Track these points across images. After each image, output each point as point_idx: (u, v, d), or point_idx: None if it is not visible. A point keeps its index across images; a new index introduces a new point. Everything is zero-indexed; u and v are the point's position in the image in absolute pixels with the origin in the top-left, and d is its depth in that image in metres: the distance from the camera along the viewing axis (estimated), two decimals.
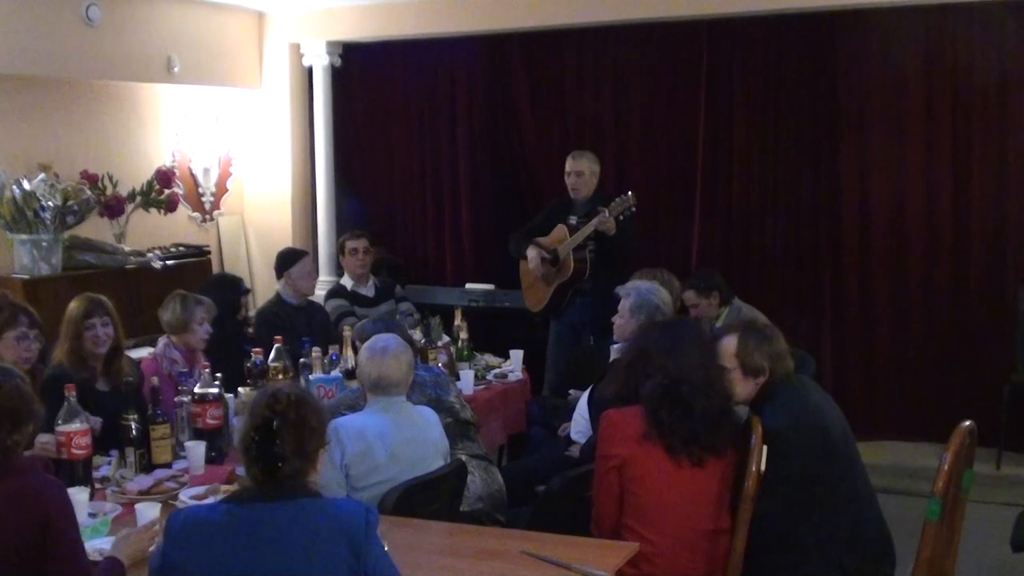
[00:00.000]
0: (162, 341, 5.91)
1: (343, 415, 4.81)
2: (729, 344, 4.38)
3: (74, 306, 5.29)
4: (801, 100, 8.15)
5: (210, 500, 4.10)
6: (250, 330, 6.91)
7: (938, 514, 3.77)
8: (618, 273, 7.33)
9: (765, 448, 4.16)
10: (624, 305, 5.65)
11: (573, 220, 7.58)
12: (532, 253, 7.61)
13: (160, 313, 5.91)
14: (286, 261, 7.25)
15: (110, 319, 5.30)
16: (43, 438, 4.36)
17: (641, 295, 5.59)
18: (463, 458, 5.09)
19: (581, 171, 7.63)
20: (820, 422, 4.27)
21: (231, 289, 6.81)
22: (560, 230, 7.58)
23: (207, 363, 5.31)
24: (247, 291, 6.97)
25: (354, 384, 5.72)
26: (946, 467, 3.76)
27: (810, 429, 4.23)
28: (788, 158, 8.21)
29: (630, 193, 7.33)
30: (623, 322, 5.61)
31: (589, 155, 7.73)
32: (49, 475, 3.43)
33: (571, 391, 6.57)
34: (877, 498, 4.42)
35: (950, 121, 7.73)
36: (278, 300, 7.18)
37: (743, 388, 4.37)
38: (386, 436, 4.54)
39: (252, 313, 7.15)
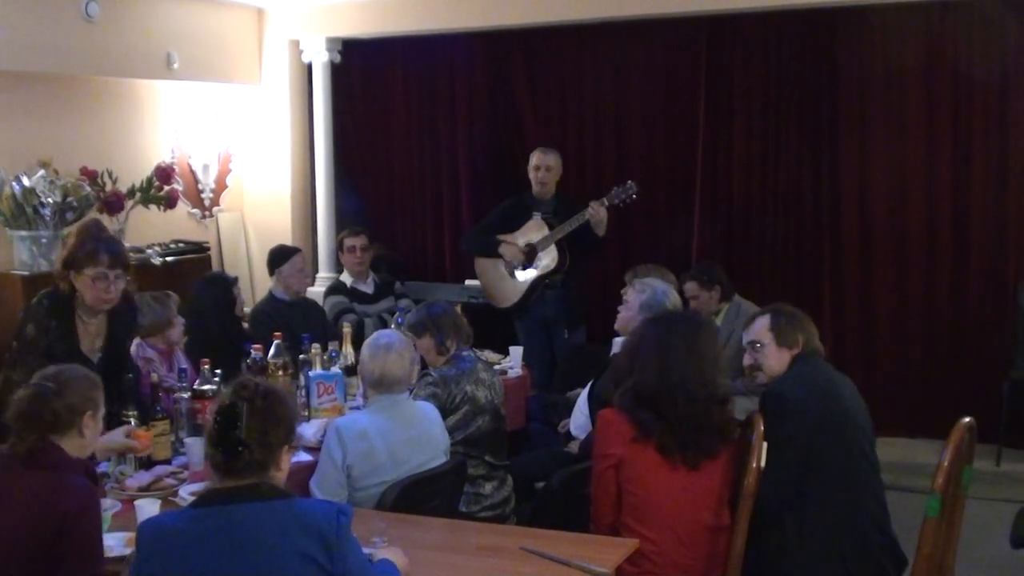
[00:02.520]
0: (135, 342, 5.89)
1: (353, 412, 4.83)
2: (763, 321, 4.52)
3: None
4: (801, 97, 8.14)
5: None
6: (246, 325, 6.91)
7: (938, 511, 3.77)
8: (589, 266, 7.43)
9: (766, 411, 4.22)
10: (634, 299, 5.63)
11: (537, 216, 7.64)
12: (509, 249, 7.64)
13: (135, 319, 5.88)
14: (277, 259, 7.26)
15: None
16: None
17: (656, 295, 5.56)
18: (484, 468, 5.14)
19: (551, 166, 7.74)
20: (828, 393, 4.30)
21: (220, 285, 6.77)
22: (535, 224, 7.62)
23: (206, 360, 5.30)
24: (235, 279, 6.93)
25: (355, 382, 5.74)
26: (946, 464, 3.77)
27: (815, 396, 4.27)
28: (788, 154, 8.21)
29: (631, 182, 7.37)
30: (629, 315, 5.59)
31: (555, 151, 7.87)
32: (80, 477, 3.48)
33: (572, 390, 6.59)
34: (887, 506, 4.42)
35: (951, 118, 7.72)
36: (271, 298, 7.20)
37: (777, 360, 4.47)
38: (388, 437, 4.54)
39: (247, 308, 7.09)
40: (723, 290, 6.87)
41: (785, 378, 4.43)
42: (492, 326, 7.78)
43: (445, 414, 5.03)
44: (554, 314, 7.72)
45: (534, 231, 7.64)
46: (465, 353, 5.43)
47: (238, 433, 3.05)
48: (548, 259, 7.58)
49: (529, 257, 7.62)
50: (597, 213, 7.33)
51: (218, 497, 3.10)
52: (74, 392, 3.59)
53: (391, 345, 4.71)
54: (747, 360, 4.60)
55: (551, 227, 7.58)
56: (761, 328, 4.52)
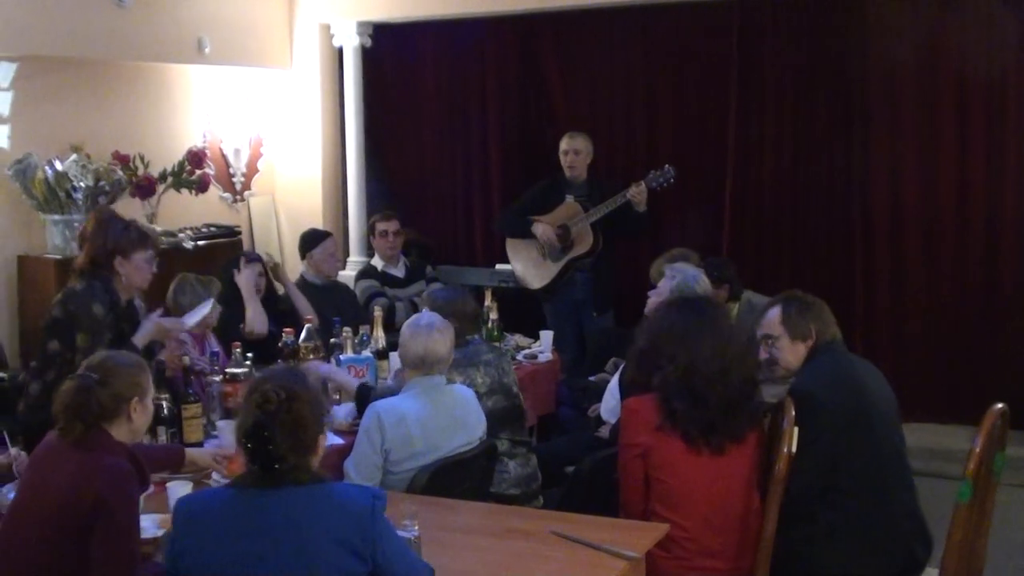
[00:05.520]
0: None
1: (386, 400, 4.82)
2: (774, 314, 4.48)
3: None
4: (833, 82, 8.07)
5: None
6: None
7: (969, 497, 3.76)
8: (619, 249, 7.43)
9: (795, 410, 4.17)
10: (665, 285, 5.62)
11: (570, 199, 7.64)
12: (542, 228, 7.63)
13: (175, 297, 5.92)
14: (308, 242, 7.31)
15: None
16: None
17: (687, 281, 5.55)
18: (505, 445, 5.13)
19: (579, 150, 7.77)
20: (856, 389, 4.28)
21: (232, 264, 6.75)
22: (570, 207, 7.63)
23: (237, 343, 5.33)
24: (255, 259, 6.89)
25: (386, 365, 5.75)
26: (977, 450, 3.76)
27: (843, 393, 4.25)
28: (820, 140, 8.14)
29: (668, 166, 7.37)
30: (661, 301, 5.57)
31: (585, 135, 7.91)
32: (120, 461, 3.50)
33: (605, 369, 6.60)
34: (915, 488, 4.41)
35: (983, 103, 7.64)
36: (302, 281, 7.23)
37: (792, 354, 4.45)
38: (426, 424, 4.54)
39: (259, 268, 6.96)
40: (731, 289, 6.72)
41: (810, 374, 4.39)
42: (523, 310, 7.80)
43: None
44: (583, 296, 7.73)
45: (568, 213, 7.62)
46: (469, 338, 5.43)
47: (272, 451, 3.08)
48: (582, 241, 7.57)
49: (563, 238, 7.61)
50: (638, 193, 7.33)
51: (255, 480, 3.13)
52: (119, 380, 3.61)
53: (433, 324, 4.72)
54: (762, 354, 4.55)
55: (586, 209, 7.57)
56: (773, 321, 4.48)
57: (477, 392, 5.09)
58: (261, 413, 3.09)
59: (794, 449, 4.11)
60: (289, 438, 3.09)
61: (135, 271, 5.01)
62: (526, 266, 7.89)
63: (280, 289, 6.92)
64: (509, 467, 5.18)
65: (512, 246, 7.96)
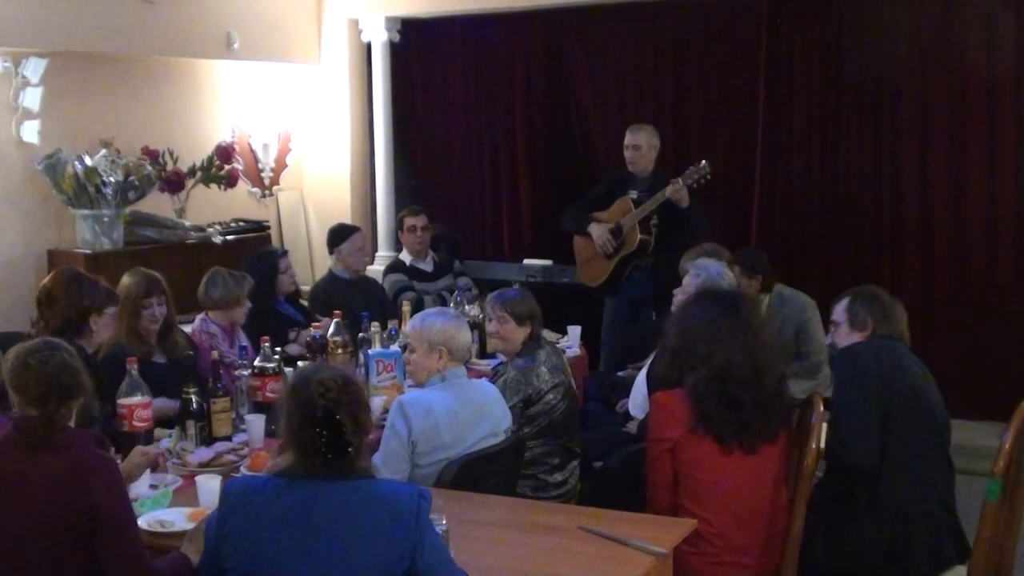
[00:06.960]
0: (199, 317, 5.97)
1: (415, 390, 4.83)
2: (844, 301, 4.65)
3: (131, 283, 5.34)
4: (861, 77, 8.05)
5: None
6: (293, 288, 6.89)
7: (998, 495, 3.76)
8: (681, 248, 7.32)
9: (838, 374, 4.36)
10: (691, 283, 5.60)
11: (634, 194, 7.51)
12: (597, 229, 7.55)
13: (206, 290, 5.95)
14: (336, 237, 7.33)
15: (165, 297, 5.37)
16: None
17: (711, 277, 5.54)
18: (557, 459, 5.14)
19: (639, 145, 7.54)
20: (897, 365, 4.34)
21: (267, 260, 6.80)
22: (623, 203, 7.52)
23: (266, 338, 5.34)
24: (284, 252, 6.97)
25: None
26: (1007, 447, 3.75)
27: (882, 363, 4.33)
28: (849, 136, 8.12)
29: (704, 162, 7.27)
30: (689, 296, 5.56)
31: (648, 128, 7.65)
32: (98, 451, 3.42)
33: (628, 365, 6.58)
34: (954, 487, 4.40)
35: (1013, 100, 7.60)
36: (330, 276, 7.26)
37: (847, 341, 4.60)
38: (453, 416, 4.53)
39: (287, 272, 7.00)
40: (764, 280, 6.70)
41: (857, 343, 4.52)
42: (551, 304, 7.76)
43: (531, 404, 5.06)
44: (642, 295, 7.62)
45: (622, 210, 7.54)
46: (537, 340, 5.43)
47: (345, 437, 3.11)
48: (631, 240, 7.47)
49: (616, 236, 7.51)
50: (677, 191, 7.21)
51: (302, 471, 3.14)
52: (71, 354, 3.51)
53: (448, 311, 4.76)
54: (828, 339, 4.79)
55: (637, 207, 7.46)
56: (840, 308, 4.63)
57: (555, 396, 5.12)
58: (326, 401, 3.12)
59: (823, 445, 4.11)
60: (353, 421, 3.13)
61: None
62: (586, 263, 7.80)
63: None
64: (556, 478, 5.17)
65: (576, 243, 7.87)
